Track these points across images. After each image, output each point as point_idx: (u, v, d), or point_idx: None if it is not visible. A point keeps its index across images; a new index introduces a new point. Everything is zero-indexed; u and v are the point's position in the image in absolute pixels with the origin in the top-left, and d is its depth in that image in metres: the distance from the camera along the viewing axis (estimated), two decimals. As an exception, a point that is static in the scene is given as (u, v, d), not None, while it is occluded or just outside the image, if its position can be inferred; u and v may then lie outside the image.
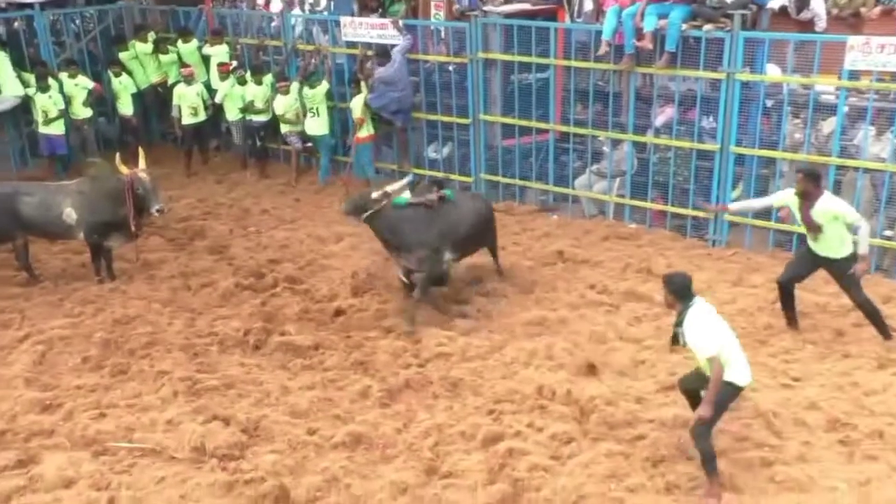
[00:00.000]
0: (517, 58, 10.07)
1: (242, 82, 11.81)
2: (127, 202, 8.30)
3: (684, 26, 8.85)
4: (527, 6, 10.48)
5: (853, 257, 6.83)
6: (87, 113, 11.92)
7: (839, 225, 6.75)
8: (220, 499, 5.43)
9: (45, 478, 5.60)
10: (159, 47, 12.54)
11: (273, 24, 12.45)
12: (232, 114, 12.03)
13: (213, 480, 5.56)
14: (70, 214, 8.45)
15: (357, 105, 10.92)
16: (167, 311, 8.03)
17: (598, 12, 10.13)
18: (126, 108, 12.49)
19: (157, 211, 8.47)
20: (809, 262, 7.12)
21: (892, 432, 5.87)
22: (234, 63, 12.08)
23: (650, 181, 9.61)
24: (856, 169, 8.36)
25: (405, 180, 7.96)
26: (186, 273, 8.89)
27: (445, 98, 10.74)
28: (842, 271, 6.90)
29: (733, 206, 8.11)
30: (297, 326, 7.64)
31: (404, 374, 6.81)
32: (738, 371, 5.26)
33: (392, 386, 6.66)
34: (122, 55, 12.56)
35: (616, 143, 9.89)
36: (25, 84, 11.58)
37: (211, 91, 12.16)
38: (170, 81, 12.55)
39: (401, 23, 10.58)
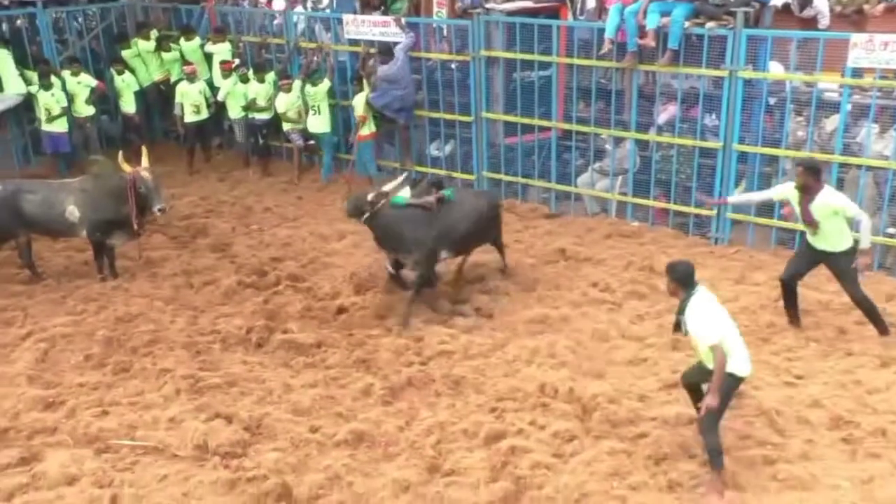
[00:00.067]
0: (519, 55, 10.05)
1: (245, 80, 11.82)
2: (129, 200, 8.30)
3: (687, 24, 8.83)
4: (529, 4, 10.46)
5: (853, 251, 6.82)
6: (89, 111, 11.93)
7: (839, 219, 6.74)
8: (223, 497, 5.43)
9: (48, 475, 5.61)
10: (162, 45, 12.56)
11: (275, 21, 12.44)
12: (234, 112, 12.04)
13: (215, 478, 5.56)
14: (73, 212, 8.46)
15: (359, 103, 10.92)
16: (170, 309, 8.04)
17: (601, 10, 10.11)
18: (128, 105, 12.50)
19: (159, 210, 8.50)
20: (810, 257, 7.11)
21: (895, 430, 5.86)
22: (237, 61, 12.09)
23: (652, 179, 9.60)
24: (859, 167, 8.35)
25: (400, 178, 7.94)
26: (189, 271, 8.90)
27: (448, 96, 10.73)
28: (841, 265, 6.89)
29: (732, 199, 8.11)
30: (299, 324, 7.64)
31: (406, 371, 6.81)
32: (738, 362, 5.28)
33: (394, 384, 6.66)
34: (125, 53, 12.58)
35: (618, 141, 9.88)
36: (28, 82, 11.61)
37: (213, 89, 12.17)
38: (172, 79, 12.57)
39: (403, 20, 10.57)
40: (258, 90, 11.73)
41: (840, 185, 8.36)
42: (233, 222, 10.38)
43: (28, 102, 11.82)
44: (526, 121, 10.27)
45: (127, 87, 12.42)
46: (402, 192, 7.76)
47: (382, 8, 11.20)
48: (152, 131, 13.42)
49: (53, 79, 11.50)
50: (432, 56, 10.84)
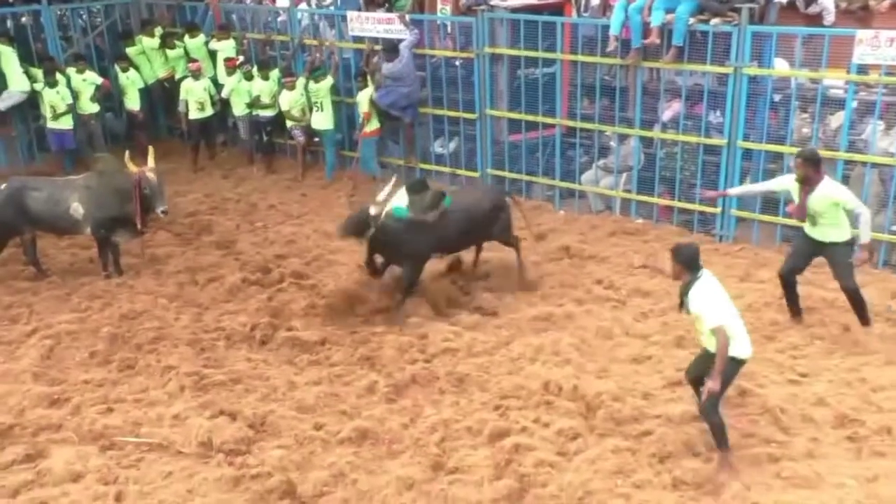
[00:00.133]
0: (524, 52, 10.05)
1: (249, 77, 11.82)
2: (134, 199, 8.33)
3: (691, 20, 8.81)
4: (533, 0, 10.45)
5: (851, 243, 6.80)
6: (94, 108, 11.94)
7: (839, 210, 6.73)
8: (227, 493, 5.44)
9: (53, 472, 5.62)
10: (166, 42, 12.56)
11: (280, 18, 12.45)
12: (238, 109, 12.04)
13: (219, 475, 5.57)
14: (77, 209, 8.48)
15: (363, 99, 10.92)
16: (174, 306, 8.05)
17: (605, 7, 10.08)
18: (133, 103, 12.51)
19: (162, 213, 8.56)
20: (808, 250, 7.10)
21: (900, 428, 5.86)
22: (241, 58, 12.08)
23: (657, 176, 9.58)
24: (864, 164, 8.32)
25: (390, 183, 7.76)
26: (193, 268, 8.91)
27: (452, 93, 10.72)
28: (838, 257, 6.87)
29: (733, 191, 8.10)
30: (303, 322, 7.65)
31: (410, 369, 6.81)
32: (739, 345, 5.37)
33: (398, 381, 6.67)
34: (129, 50, 12.58)
35: (623, 138, 9.87)
36: (33, 79, 11.62)
37: (218, 86, 12.17)
38: (177, 76, 12.57)
39: (407, 17, 10.56)
40: (262, 87, 11.74)
41: (845, 182, 8.32)
42: (237, 219, 10.40)
43: (33, 100, 11.84)
44: (530, 118, 10.26)
45: (131, 85, 12.43)
46: (399, 197, 7.63)
47: (386, 5, 11.20)
48: (157, 128, 13.44)
49: (58, 76, 11.51)
50: (436, 53, 10.83)
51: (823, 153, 8.24)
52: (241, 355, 7.19)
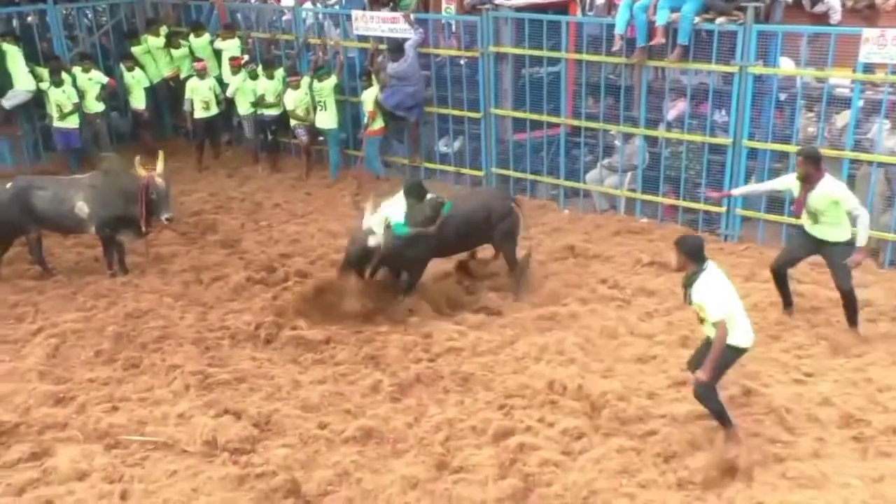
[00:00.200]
0: (528, 51, 10.04)
1: (254, 76, 11.83)
2: (140, 203, 8.37)
3: (697, 19, 8.79)
4: (538, -1, 10.46)
5: (850, 244, 6.78)
6: (99, 107, 11.96)
7: (839, 209, 6.71)
8: (232, 492, 5.44)
9: (59, 470, 5.63)
10: (171, 41, 12.57)
11: (284, 18, 12.46)
12: (243, 108, 12.05)
13: (224, 474, 5.57)
14: (82, 208, 8.49)
15: (368, 98, 10.92)
16: (179, 305, 8.06)
17: (610, 5, 10.08)
18: (139, 102, 12.53)
19: (167, 219, 8.59)
20: (805, 246, 7.10)
21: (906, 428, 5.84)
22: (246, 57, 12.10)
23: (662, 175, 9.57)
24: (870, 163, 8.30)
25: (370, 207, 7.63)
26: (198, 267, 8.92)
27: (456, 92, 10.72)
28: (836, 257, 6.85)
29: (737, 191, 8.09)
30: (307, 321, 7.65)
31: (415, 368, 6.81)
32: (742, 334, 5.48)
33: (403, 380, 6.66)
34: (135, 49, 12.60)
35: (627, 137, 9.86)
36: (39, 79, 11.64)
37: (223, 85, 12.18)
38: (182, 75, 12.59)
39: (412, 17, 10.56)
40: (267, 86, 11.74)
41: (851, 181, 8.31)
42: (242, 218, 10.41)
43: (38, 99, 11.87)
44: (535, 117, 10.25)
45: (137, 84, 12.45)
46: (395, 207, 7.56)
47: (391, 4, 11.20)
48: (162, 127, 13.48)
49: (64, 75, 11.53)
50: (441, 52, 10.84)
51: (829, 152, 8.26)
52: (245, 354, 7.19)
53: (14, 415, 6.28)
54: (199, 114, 12.08)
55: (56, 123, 11.62)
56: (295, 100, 11.47)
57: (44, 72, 11.62)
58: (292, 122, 11.72)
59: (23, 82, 11.60)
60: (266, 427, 6.13)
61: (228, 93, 12.01)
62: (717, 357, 5.38)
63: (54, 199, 8.50)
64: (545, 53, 9.90)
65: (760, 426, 5.90)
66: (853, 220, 6.74)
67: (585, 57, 9.78)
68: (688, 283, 5.52)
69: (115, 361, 7.11)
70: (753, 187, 8.19)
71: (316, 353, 7.17)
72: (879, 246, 8.44)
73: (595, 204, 10.25)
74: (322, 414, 6.28)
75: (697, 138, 9.19)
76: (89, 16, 13.45)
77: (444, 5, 10.97)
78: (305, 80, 11.43)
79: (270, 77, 11.69)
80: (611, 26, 9.35)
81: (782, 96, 8.92)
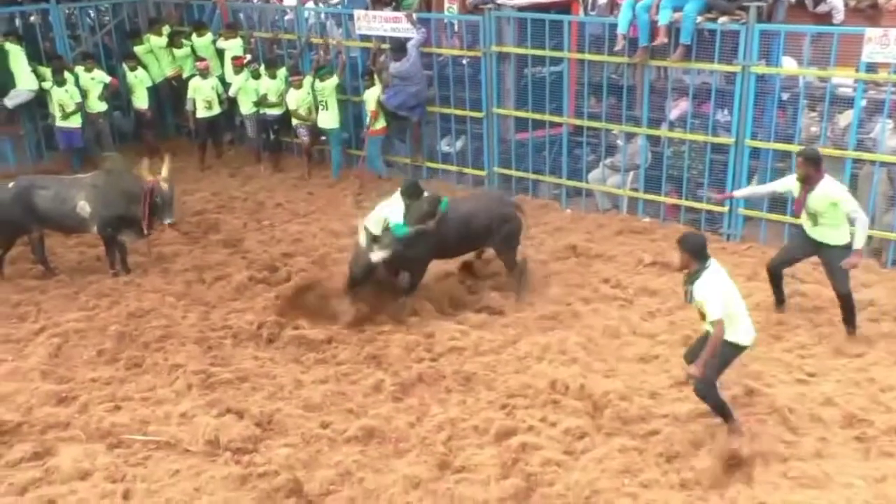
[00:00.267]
0: (531, 51, 10.04)
1: (256, 76, 11.84)
2: (143, 205, 8.41)
3: (699, 18, 8.78)
4: (540, -1, 10.45)
5: (850, 246, 6.76)
6: (102, 106, 11.96)
7: (838, 212, 6.69)
8: (234, 492, 5.44)
9: (61, 470, 5.63)
10: (174, 41, 12.59)
11: (287, 17, 12.46)
12: (246, 107, 12.06)
13: (226, 473, 5.58)
14: (84, 207, 8.50)
15: (371, 98, 10.92)
16: (181, 305, 8.07)
17: (613, 5, 10.07)
18: (141, 101, 12.53)
19: (169, 224, 8.70)
20: (803, 248, 7.09)
21: (909, 428, 5.83)
22: (248, 57, 12.11)
23: (664, 175, 9.56)
24: (872, 163, 8.29)
25: (363, 229, 7.54)
26: (200, 266, 8.93)
27: (459, 92, 10.72)
28: (835, 260, 6.84)
29: (738, 193, 8.08)
30: (310, 320, 7.65)
31: (417, 368, 6.81)
32: (743, 332, 5.54)
33: (405, 380, 6.66)
34: (137, 49, 12.61)
35: (630, 137, 9.85)
36: (42, 78, 11.65)
37: (225, 85, 12.19)
38: (184, 75, 12.60)
39: (414, 16, 10.56)
40: (269, 86, 11.75)
41: (854, 181, 8.30)
42: (244, 218, 10.41)
43: (41, 98, 11.88)
44: (537, 116, 10.25)
45: (140, 83, 12.45)
46: (395, 208, 7.56)
47: (394, 3, 11.20)
48: (164, 127, 13.49)
49: (67, 74, 11.55)
50: (443, 52, 10.83)
51: (832, 152, 8.26)
52: (247, 353, 7.20)
53: (16, 414, 6.29)
54: (202, 113, 12.09)
55: (59, 123, 11.63)
56: (297, 99, 11.47)
57: (46, 71, 11.63)
58: (294, 122, 11.72)
59: (25, 82, 11.61)
60: (268, 426, 6.14)
61: (231, 92, 12.02)
62: (712, 355, 5.42)
63: (56, 199, 8.51)
64: (547, 53, 9.89)
65: (763, 426, 5.89)
66: (852, 223, 6.73)
67: (588, 56, 9.77)
68: (690, 281, 5.56)
69: (117, 361, 7.11)
70: (755, 189, 8.19)
71: (318, 352, 7.17)
72: (882, 246, 8.43)
73: (597, 203, 10.24)
74: (324, 413, 6.29)
75: (700, 138, 9.18)
76: (92, 15, 13.46)
77: (446, 5, 10.96)
78: (308, 80, 11.43)
79: (273, 77, 11.70)
80: (613, 26, 9.34)
81: (785, 96, 8.91)
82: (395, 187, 7.97)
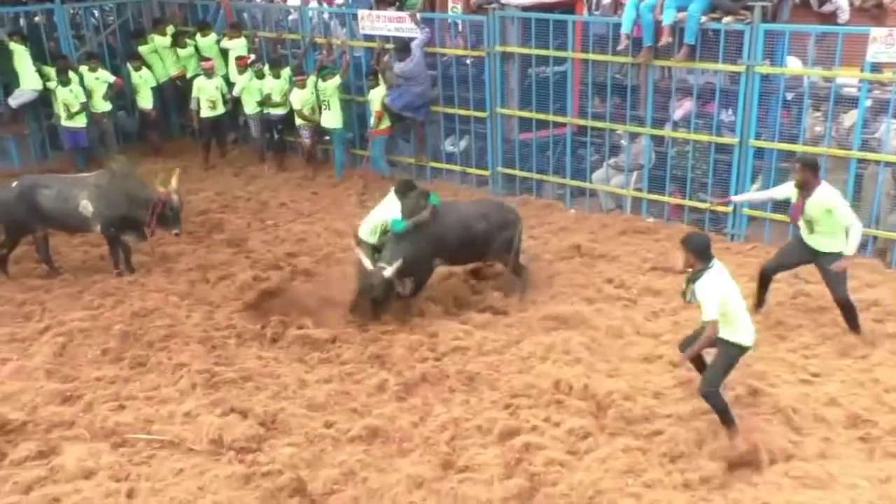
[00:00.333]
0: (535, 51, 10.03)
1: (260, 76, 11.85)
2: (152, 214, 8.48)
3: (703, 18, 8.77)
4: (544, -1, 10.45)
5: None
6: (106, 106, 12.00)
7: (833, 218, 6.68)
8: (238, 491, 5.45)
9: (66, 468, 5.65)
10: (178, 41, 12.60)
11: (291, 17, 12.47)
12: (250, 107, 12.07)
13: (230, 473, 5.59)
14: (86, 207, 8.52)
15: (375, 98, 10.92)
16: (185, 304, 8.08)
17: (617, 5, 10.06)
18: (146, 101, 12.56)
19: (175, 234, 8.77)
20: (799, 254, 7.07)
21: (913, 429, 5.82)
22: (252, 56, 12.11)
23: (668, 175, 9.55)
24: (877, 163, 8.27)
25: (363, 254, 7.53)
26: (204, 266, 8.94)
27: (463, 91, 10.72)
28: (830, 267, 6.82)
29: (737, 198, 8.05)
30: (314, 320, 7.65)
31: (421, 367, 6.81)
32: (744, 332, 5.60)
33: (408, 380, 6.67)
34: (142, 49, 12.63)
35: (634, 137, 9.84)
36: (46, 78, 11.68)
37: (229, 84, 12.21)
38: (188, 75, 12.61)
39: (418, 16, 10.56)
40: (273, 86, 11.76)
41: (858, 181, 8.29)
42: (248, 217, 10.43)
43: (45, 98, 11.91)
44: (541, 116, 10.25)
45: (144, 83, 12.48)
46: (392, 207, 7.63)
47: (397, 3, 11.20)
48: (168, 127, 13.50)
49: (71, 74, 11.57)
50: (447, 51, 10.83)
51: (836, 152, 8.25)
52: (251, 353, 7.20)
53: (21, 413, 6.30)
54: (206, 113, 12.11)
55: (63, 122, 11.66)
56: (301, 99, 11.48)
57: (51, 71, 11.66)
58: (298, 122, 11.73)
59: (29, 81, 11.64)
60: (272, 426, 6.15)
61: (235, 92, 12.04)
62: (701, 348, 5.66)
63: (58, 198, 8.53)
64: (551, 53, 9.89)
65: (767, 426, 5.88)
66: (846, 230, 6.70)
67: (592, 56, 9.76)
68: (692, 280, 5.60)
69: (121, 360, 7.13)
70: (753, 195, 8.19)
71: (322, 352, 7.18)
72: (887, 246, 8.41)
73: (601, 203, 10.24)
74: (328, 413, 6.29)
75: (704, 138, 9.16)
76: (96, 15, 13.50)
77: (450, 5, 10.96)
78: (311, 80, 11.44)
79: (277, 76, 11.71)
80: (617, 26, 9.33)
81: (789, 96, 8.89)
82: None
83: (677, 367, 6.05)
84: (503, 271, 8.39)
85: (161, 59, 12.76)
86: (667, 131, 9.48)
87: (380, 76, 10.93)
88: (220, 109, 12.18)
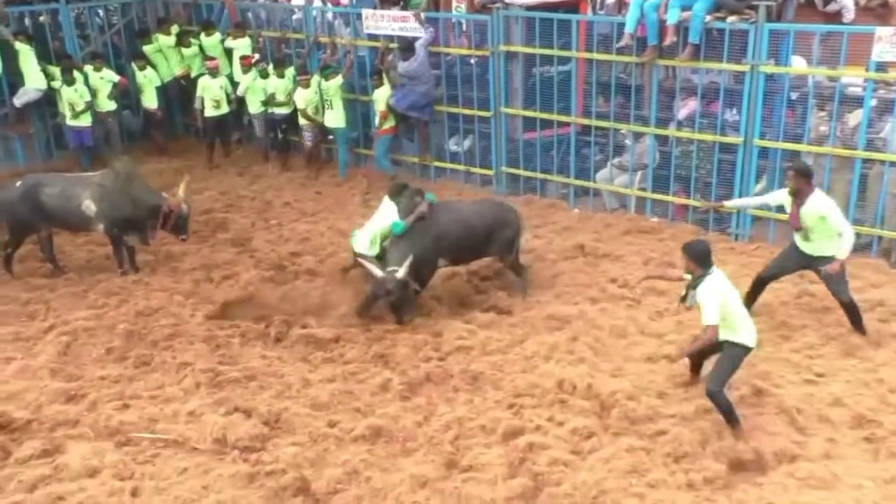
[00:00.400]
0: (539, 50, 10.03)
1: (265, 75, 11.86)
2: (159, 221, 8.59)
3: (708, 18, 8.76)
4: (549, -2, 10.44)
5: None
6: (111, 106, 12.01)
7: (826, 226, 6.67)
8: (242, 490, 5.46)
9: (70, 467, 5.66)
10: (182, 40, 12.61)
11: (295, 17, 12.48)
12: (254, 106, 12.08)
13: (234, 472, 5.59)
14: (89, 206, 8.53)
15: (380, 97, 10.93)
16: (189, 303, 8.09)
17: (621, 4, 10.05)
18: (150, 101, 12.57)
19: (182, 239, 8.89)
20: (796, 261, 7.06)
21: (918, 429, 5.80)
22: (257, 56, 12.13)
23: (672, 174, 9.54)
24: (882, 162, 8.25)
25: (373, 265, 7.48)
26: (209, 265, 8.95)
27: (467, 91, 10.73)
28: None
29: (729, 203, 8.02)
30: (317, 319, 7.65)
31: (425, 367, 6.81)
32: (746, 332, 5.73)
33: (412, 379, 6.67)
34: (146, 48, 12.64)
35: (638, 137, 9.83)
36: (51, 77, 11.70)
37: (234, 84, 12.22)
38: (193, 74, 12.63)
39: (422, 15, 10.56)
40: (277, 85, 11.77)
41: (863, 181, 8.27)
42: (252, 217, 10.44)
43: (50, 97, 11.93)
44: (545, 116, 10.24)
45: (149, 83, 12.49)
46: (389, 212, 7.66)
47: (402, 3, 11.20)
48: (173, 126, 13.52)
49: (76, 74, 11.59)
50: (451, 51, 10.83)
51: (841, 152, 8.22)
52: (255, 352, 7.21)
53: (26, 412, 6.31)
54: (210, 112, 12.12)
55: (68, 122, 11.68)
56: (305, 99, 11.48)
57: (56, 70, 11.67)
58: (301, 122, 11.73)
59: (34, 81, 11.66)
60: (276, 425, 6.15)
61: (239, 91, 12.05)
62: (698, 349, 5.83)
63: (62, 197, 8.54)
64: (555, 52, 9.88)
65: (772, 426, 5.87)
66: (838, 236, 6.68)
67: (596, 56, 9.75)
68: (693, 286, 5.71)
69: (126, 359, 7.14)
70: (746, 201, 8.18)
71: (326, 351, 7.18)
72: (892, 246, 8.39)
73: (605, 203, 10.23)
74: (332, 412, 6.29)
75: (708, 137, 9.15)
76: (101, 15, 13.52)
77: (454, 4, 10.95)
78: (315, 79, 11.45)
79: (281, 76, 11.72)
80: (621, 25, 9.32)
81: (794, 95, 8.88)
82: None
83: (674, 361, 6.25)
84: (506, 271, 8.39)
85: (165, 58, 12.78)
86: (671, 131, 9.47)
87: (384, 76, 10.93)
88: (225, 109, 12.20)
